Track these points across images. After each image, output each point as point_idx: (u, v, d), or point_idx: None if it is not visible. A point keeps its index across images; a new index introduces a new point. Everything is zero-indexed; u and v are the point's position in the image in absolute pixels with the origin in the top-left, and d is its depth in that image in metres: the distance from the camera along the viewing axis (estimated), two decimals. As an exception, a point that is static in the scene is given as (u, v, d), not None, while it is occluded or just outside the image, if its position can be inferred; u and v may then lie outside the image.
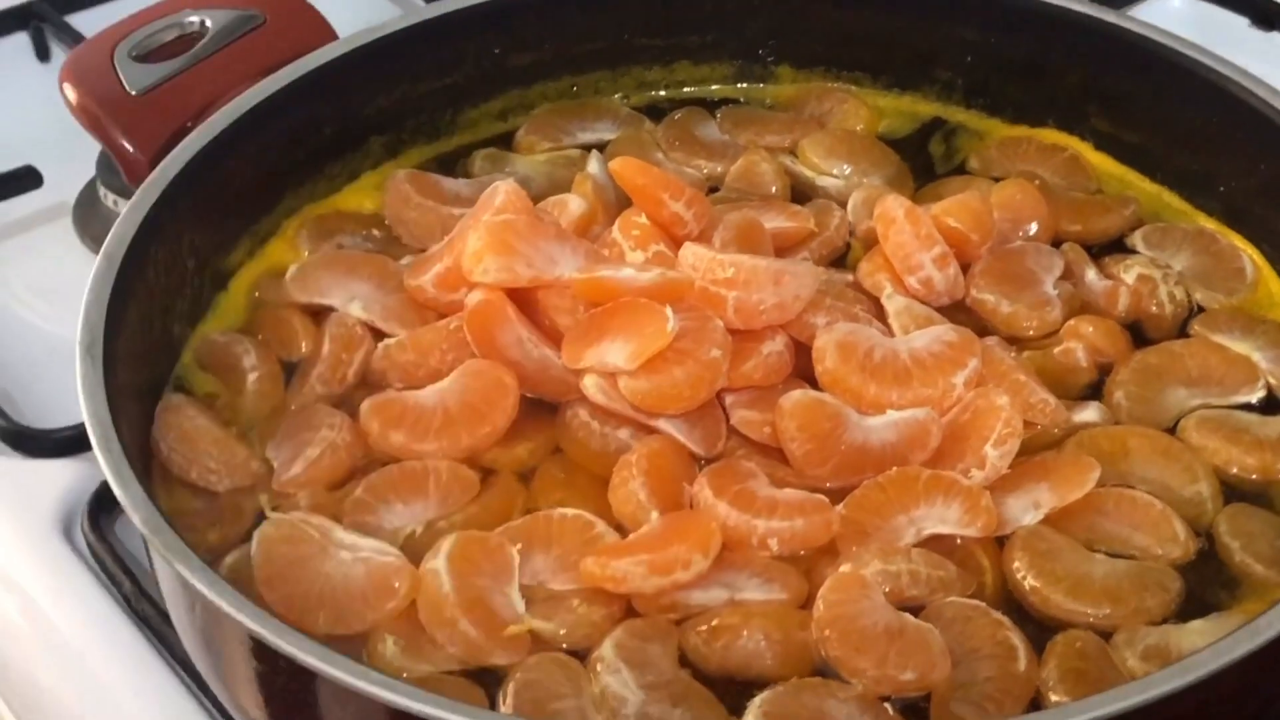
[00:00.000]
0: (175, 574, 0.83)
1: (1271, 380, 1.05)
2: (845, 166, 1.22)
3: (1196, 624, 0.90)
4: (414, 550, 0.93)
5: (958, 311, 1.09)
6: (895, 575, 0.91)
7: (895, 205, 1.07)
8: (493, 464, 1.00)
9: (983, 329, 1.08)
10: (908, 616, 0.89)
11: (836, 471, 0.97)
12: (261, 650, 0.81)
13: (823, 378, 1.00)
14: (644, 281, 0.99)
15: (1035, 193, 1.16)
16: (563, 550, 0.93)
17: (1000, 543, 0.95)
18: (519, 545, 0.93)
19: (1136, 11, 1.47)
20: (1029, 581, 0.92)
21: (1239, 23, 1.47)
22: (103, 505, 1.07)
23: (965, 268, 1.10)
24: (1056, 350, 1.06)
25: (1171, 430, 1.02)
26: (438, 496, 0.97)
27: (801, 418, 0.97)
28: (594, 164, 1.18)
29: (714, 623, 0.89)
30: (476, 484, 0.98)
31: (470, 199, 1.13)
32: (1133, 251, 1.15)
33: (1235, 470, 1.00)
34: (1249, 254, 1.14)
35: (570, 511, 0.95)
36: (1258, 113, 1.10)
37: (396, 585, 0.90)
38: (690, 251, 1.01)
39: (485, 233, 1.01)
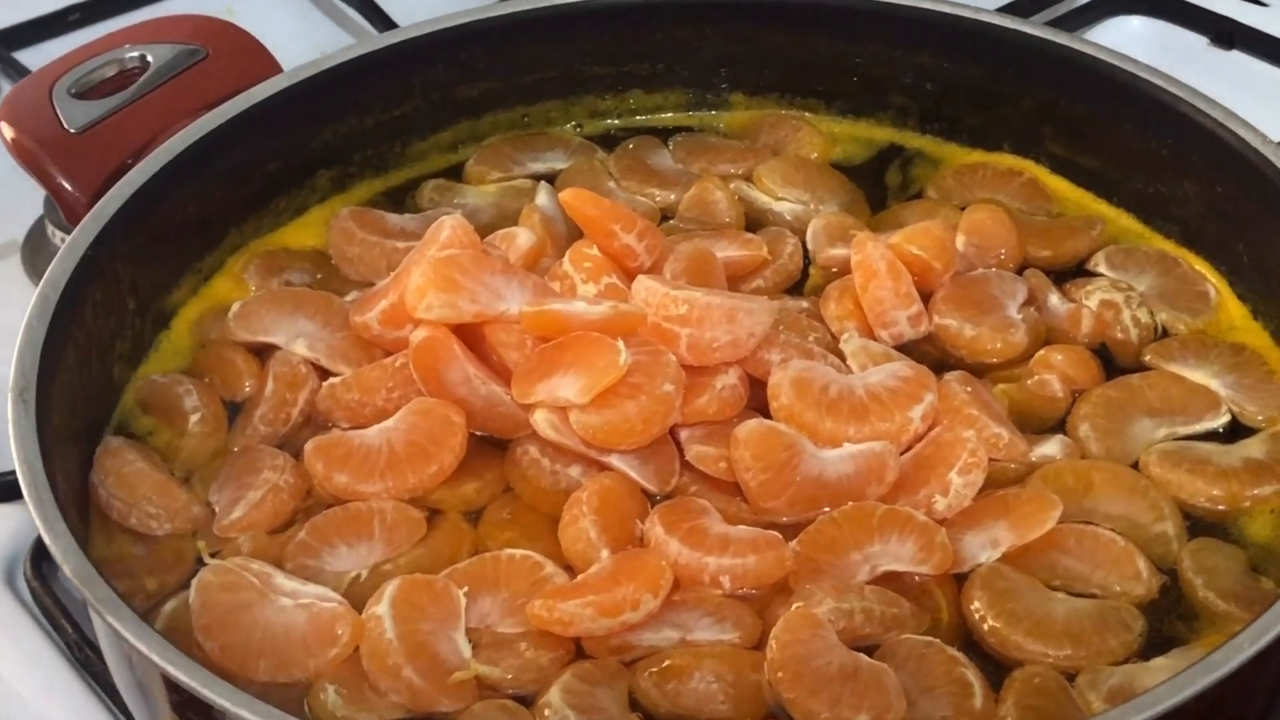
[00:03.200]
0: (106, 624, 0.81)
1: (1233, 407, 1.04)
2: (801, 194, 1.20)
3: (1159, 661, 0.88)
4: (359, 595, 0.91)
5: (921, 341, 1.07)
6: (849, 613, 0.89)
7: (878, 256, 1.06)
8: (439, 504, 0.98)
9: (944, 359, 1.06)
10: (861, 656, 0.87)
11: (792, 503, 0.95)
12: (189, 700, 0.79)
13: (778, 414, 0.98)
14: (595, 315, 0.97)
15: (1005, 218, 1.14)
16: (511, 592, 0.91)
17: (959, 580, 0.93)
18: (466, 588, 0.91)
19: (1096, 33, 1.47)
20: (988, 622, 0.90)
21: (1199, 42, 1.46)
22: (45, 552, 1.04)
23: (926, 296, 1.08)
24: (1030, 382, 1.04)
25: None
26: (383, 538, 0.95)
27: (757, 446, 0.95)
28: (542, 196, 1.16)
29: (664, 664, 0.87)
30: (423, 525, 0.96)
31: (416, 233, 1.11)
32: (1095, 275, 1.14)
33: (1202, 502, 0.98)
34: (1209, 276, 1.13)
35: (519, 552, 0.93)
36: (1212, 134, 1.09)
37: (339, 632, 0.88)
38: (643, 286, 1.00)
39: (429, 269, 0.99)
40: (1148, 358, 1.07)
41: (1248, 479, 0.98)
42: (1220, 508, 0.98)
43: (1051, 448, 1.00)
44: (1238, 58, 1.44)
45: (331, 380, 1.03)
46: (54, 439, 0.92)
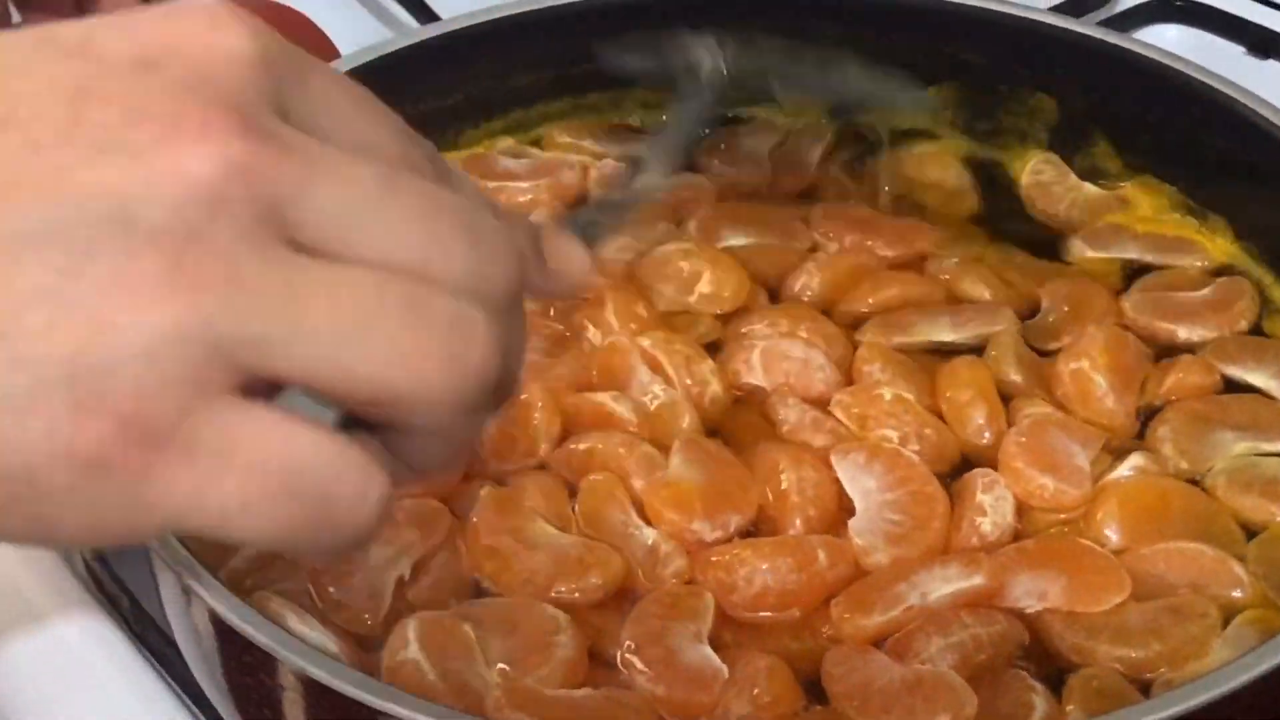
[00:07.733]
0: (180, 584, 0.82)
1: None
2: None
3: (1222, 642, 0.87)
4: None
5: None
6: (960, 645, 0.86)
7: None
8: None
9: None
10: (920, 667, 0.85)
11: None
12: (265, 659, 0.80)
13: None
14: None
15: None
16: None
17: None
18: None
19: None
20: (1068, 639, 0.88)
21: (1235, 50, 1.47)
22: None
23: None
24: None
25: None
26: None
27: None
28: None
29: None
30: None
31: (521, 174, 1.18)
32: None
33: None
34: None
35: None
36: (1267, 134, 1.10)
37: None
38: None
39: None
40: (1207, 357, 1.05)
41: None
42: None
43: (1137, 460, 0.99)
44: (1274, 67, 1.45)
45: None
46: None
